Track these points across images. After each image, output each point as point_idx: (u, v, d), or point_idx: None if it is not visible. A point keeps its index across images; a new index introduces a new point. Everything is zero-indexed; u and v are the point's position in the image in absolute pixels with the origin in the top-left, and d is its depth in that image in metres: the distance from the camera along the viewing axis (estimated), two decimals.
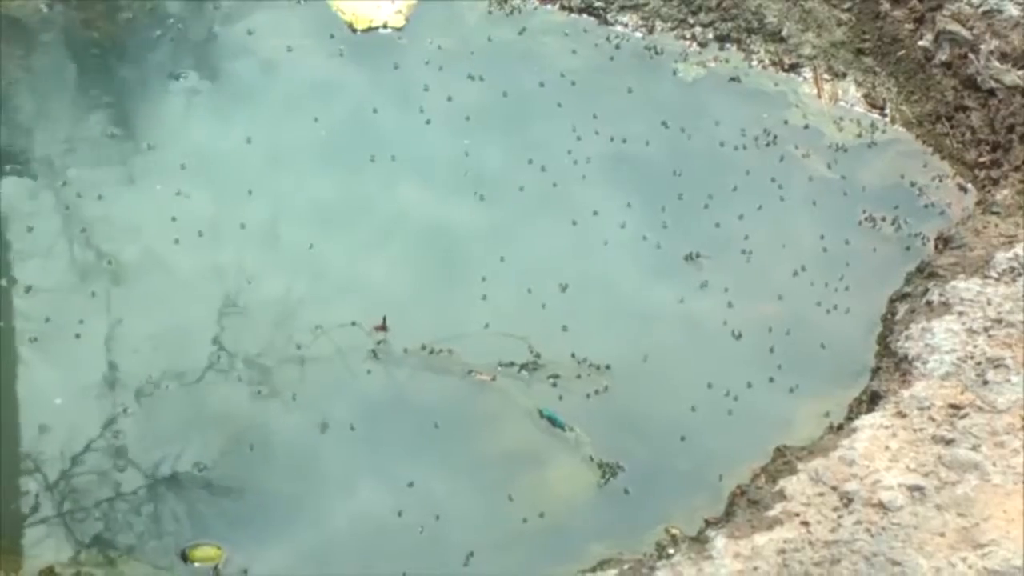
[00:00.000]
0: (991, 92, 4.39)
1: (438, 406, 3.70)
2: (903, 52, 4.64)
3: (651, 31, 4.72)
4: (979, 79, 4.42)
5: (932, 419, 3.42)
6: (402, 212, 4.16)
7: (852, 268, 4.11)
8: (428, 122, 4.40)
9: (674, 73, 4.62)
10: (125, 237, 4.01)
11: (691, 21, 4.73)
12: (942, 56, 4.54)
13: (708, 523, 3.46)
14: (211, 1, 4.70)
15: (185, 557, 3.38)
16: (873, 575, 3.08)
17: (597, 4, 4.74)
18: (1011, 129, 4.30)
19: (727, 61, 4.67)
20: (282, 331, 3.84)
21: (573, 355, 3.82)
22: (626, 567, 3.37)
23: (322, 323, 3.83)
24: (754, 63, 4.67)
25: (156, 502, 3.50)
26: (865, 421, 3.49)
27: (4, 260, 3.92)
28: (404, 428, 3.65)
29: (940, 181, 4.37)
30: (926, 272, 3.95)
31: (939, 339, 3.62)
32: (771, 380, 3.84)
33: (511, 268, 4.03)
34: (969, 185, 4.34)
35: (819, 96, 4.60)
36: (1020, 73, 4.35)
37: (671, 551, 3.36)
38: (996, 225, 3.99)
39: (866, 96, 4.60)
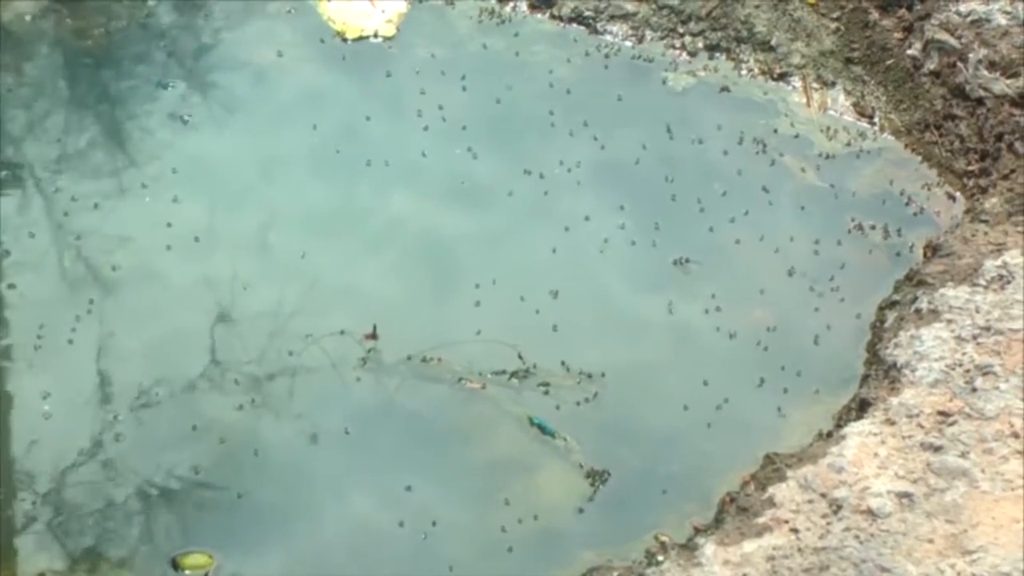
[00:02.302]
0: (979, 101, 4.40)
1: (428, 414, 3.71)
2: (892, 61, 4.65)
3: (641, 40, 4.73)
4: (968, 88, 4.43)
5: (921, 426, 3.43)
6: (395, 220, 4.17)
7: (841, 276, 4.13)
8: (422, 129, 4.41)
9: (664, 82, 4.63)
10: (117, 246, 4.02)
11: (681, 31, 4.74)
12: (931, 65, 4.55)
13: (697, 530, 3.47)
14: (202, 11, 4.71)
15: (175, 565, 3.38)
16: None
17: (587, 14, 4.75)
18: (999, 138, 4.32)
19: (716, 70, 4.68)
20: (274, 340, 3.84)
21: (563, 363, 3.83)
22: (615, 574, 3.38)
23: (313, 332, 3.84)
24: (743, 72, 4.69)
25: (147, 511, 3.50)
26: (854, 428, 3.49)
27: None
28: (394, 436, 3.66)
29: (929, 189, 4.38)
30: (915, 280, 3.97)
31: (928, 347, 3.63)
32: (760, 387, 3.85)
33: (504, 275, 4.04)
34: (958, 193, 4.35)
35: (808, 105, 4.61)
36: (1008, 82, 4.37)
37: (660, 558, 3.37)
38: (985, 233, 4.01)
39: (855, 105, 4.61)
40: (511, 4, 4.80)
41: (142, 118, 4.39)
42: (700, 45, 4.73)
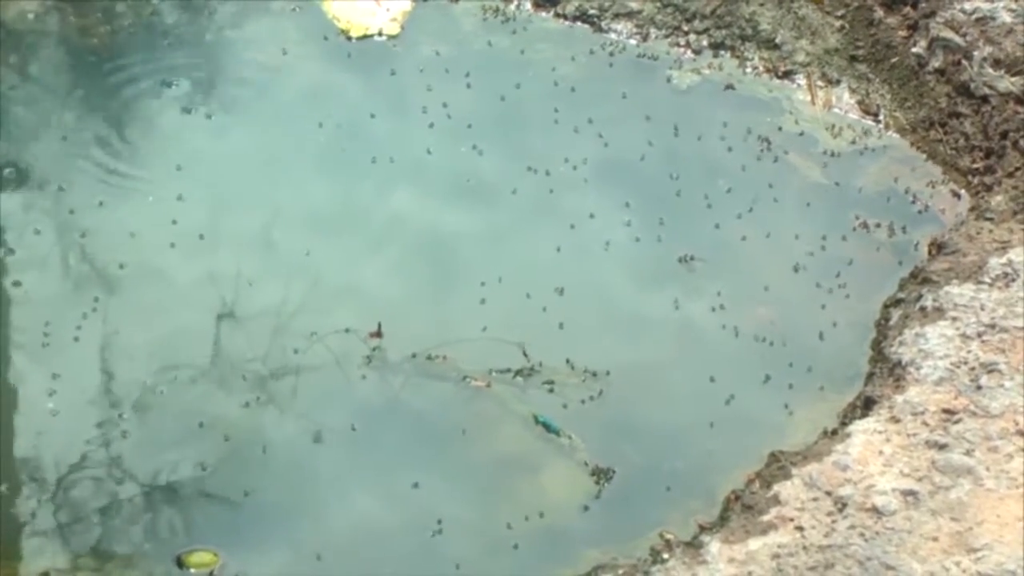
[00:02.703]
0: (984, 99, 4.40)
1: (433, 412, 3.70)
2: (896, 59, 4.65)
3: (645, 38, 4.73)
4: (972, 86, 4.43)
5: (926, 424, 3.43)
6: (400, 217, 4.17)
7: (846, 273, 4.12)
8: (427, 127, 4.41)
9: (668, 80, 4.63)
10: (122, 244, 4.01)
11: (685, 28, 4.74)
12: (935, 63, 4.55)
13: (702, 528, 3.47)
14: (206, 9, 4.71)
15: (180, 563, 3.38)
16: None
17: (591, 12, 4.75)
18: (1004, 135, 4.31)
19: (721, 68, 4.68)
20: (278, 338, 3.84)
21: (568, 360, 3.83)
22: (621, 572, 3.38)
23: (318, 329, 3.84)
24: (748, 70, 4.68)
25: (152, 509, 3.50)
26: (859, 426, 3.49)
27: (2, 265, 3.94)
28: (399, 434, 3.66)
29: (934, 187, 4.38)
30: (920, 278, 3.96)
31: (933, 344, 3.63)
32: (765, 385, 3.85)
33: (509, 272, 4.04)
34: (963, 191, 4.35)
35: (813, 103, 4.61)
36: (1013, 80, 4.36)
37: (665, 556, 3.37)
38: (990, 231, 4.00)
39: (860, 103, 4.61)
40: (515, 2, 4.80)
41: (146, 116, 4.40)
42: (705, 43, 4.73)
